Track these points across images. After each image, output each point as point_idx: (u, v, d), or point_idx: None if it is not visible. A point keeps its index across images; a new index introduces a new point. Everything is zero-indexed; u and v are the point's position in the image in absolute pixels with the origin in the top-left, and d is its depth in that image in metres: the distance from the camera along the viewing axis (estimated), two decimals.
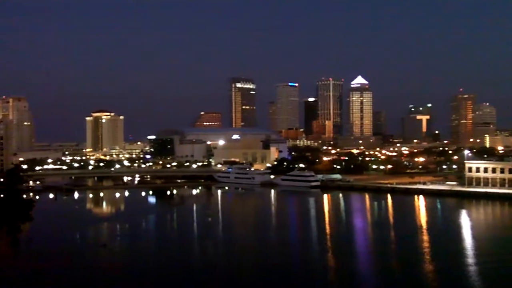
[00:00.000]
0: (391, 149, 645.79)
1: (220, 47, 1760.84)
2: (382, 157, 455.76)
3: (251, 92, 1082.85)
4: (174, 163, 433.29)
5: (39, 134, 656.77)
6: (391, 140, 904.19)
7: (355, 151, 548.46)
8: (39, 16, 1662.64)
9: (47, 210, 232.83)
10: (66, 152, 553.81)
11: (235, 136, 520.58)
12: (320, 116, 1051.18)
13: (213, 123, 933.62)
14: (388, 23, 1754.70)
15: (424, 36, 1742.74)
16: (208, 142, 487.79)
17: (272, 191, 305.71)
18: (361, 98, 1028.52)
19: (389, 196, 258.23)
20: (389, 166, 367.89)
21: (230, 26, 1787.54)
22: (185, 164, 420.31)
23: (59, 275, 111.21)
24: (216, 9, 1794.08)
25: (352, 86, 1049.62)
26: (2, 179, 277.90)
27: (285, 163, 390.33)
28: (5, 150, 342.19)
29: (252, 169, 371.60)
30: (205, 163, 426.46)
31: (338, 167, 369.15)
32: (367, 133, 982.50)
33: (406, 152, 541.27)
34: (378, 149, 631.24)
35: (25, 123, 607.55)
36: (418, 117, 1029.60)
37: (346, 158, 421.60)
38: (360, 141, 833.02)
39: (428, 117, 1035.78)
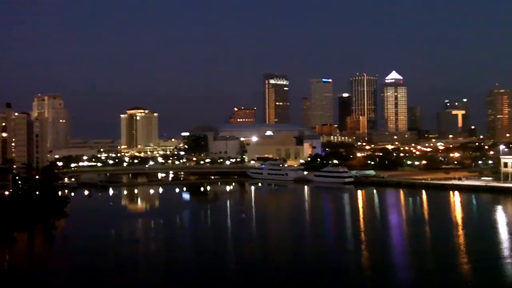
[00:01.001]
0: (426, 144, 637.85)
1: (253, 43, 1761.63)
2: (417, 152, 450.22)
3: (285, 88, 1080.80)
4: (208, 160, 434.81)
5: (75, 132, 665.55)
6: (426, 135, 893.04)
7: (389, 146, 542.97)
8: (71, 15, 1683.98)
9: (82, 207, 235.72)
10: (101, 149, 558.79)
11: (269, 132, 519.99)
12: (354, 112, 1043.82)
13: (246, 120, 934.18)
14: (423, 17, 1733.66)
15: (460, 30, 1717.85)
16: (242, 139, 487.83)
17: (306, 187, 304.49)
18: (396, 94, 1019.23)
19: (424, 192, 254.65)
20: (424, 162, 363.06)
21: (263, 22, 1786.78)
22: (219, 161, 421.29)
23: (89, 272, 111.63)
24: (250, 5, 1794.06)
25: (386, 81, 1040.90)
26: (37, 176, 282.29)
27: (318, 159, 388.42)
28: (40, 148, 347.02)
29: (286, 165, 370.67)
30: (238, 159, 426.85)
31: (372, 163, 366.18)
32: (402, 129, 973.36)
33: (442, 147, 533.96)
34: (413, 144, 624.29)
35: (61, 121, 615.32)
36: (454, 112, 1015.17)
37: (381, 154, 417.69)
38: (395, 137, 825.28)
39: (464, 112, 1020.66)
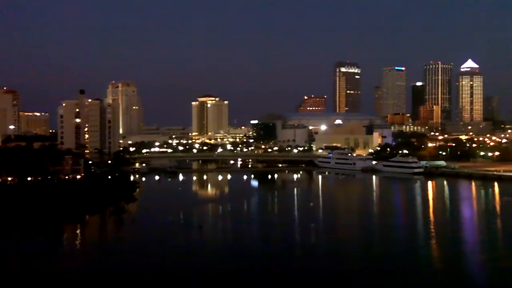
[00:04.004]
0: (502, 135, 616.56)
1: (325, 31, 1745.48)
2: (491, 143, 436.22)
3: (356, 77, 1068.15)
4: (276, 148, 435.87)
5: (148, 119, 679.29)
6: (502, 126, 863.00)
7: (463, 137, 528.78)
8: (145, 7, 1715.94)
9: (151, 191, 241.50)
10: (173, 136, 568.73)
11: (338, 121, 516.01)
12: (428, 101, 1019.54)
13: (316, 108, 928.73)
14: (500, 3, 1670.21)
15: None
16: (310, 127, 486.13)
17: (374, 177, 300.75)
18: (471, 83, 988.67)
19: (496, 184, 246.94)
20: (497, 153, 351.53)
21: (335, 10, 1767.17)
22: (286, 149, 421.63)
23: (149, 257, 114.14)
24: None
25: (461, 70, 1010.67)
26: (109, 161, 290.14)
27: (388, 149, 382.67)
28: (112, 133, 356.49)
29: (354, 154, 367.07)
30: (306, 148, 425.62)
31: (443, 153, 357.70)
32: (477, 119, 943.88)
33: None
34: (488, 135, 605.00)
35: (134, 107, 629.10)
36: None
37: (453, 144, 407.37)
38: (469, 127, 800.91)
39: None
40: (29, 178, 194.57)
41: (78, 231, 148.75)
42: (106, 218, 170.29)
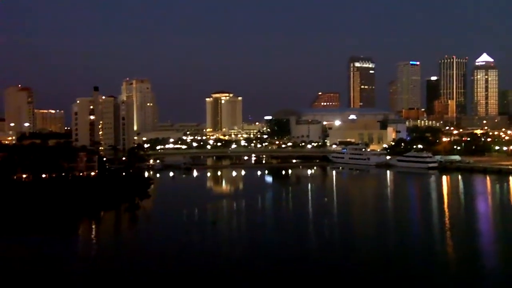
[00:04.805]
0: None
1: (339, 25, 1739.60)
2: (506, 138, 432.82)
3: (370, 72, 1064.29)
4: (290, 144, 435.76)
5: (162, 115, 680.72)
6: None
7: (478, 131, 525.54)
8: (159, 4, 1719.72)
9: (166, 188, 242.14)
10: (188, 132, 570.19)
11: (352, 116, 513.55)
12: (443, 96, 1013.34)
13: (330, 103, 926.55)
14: None
15: None
16: (325, 123, 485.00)
17: (388, 172, 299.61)
18: (486, 77, 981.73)
19: (511, 178, 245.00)
20: None
21: (350, 5, 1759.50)
22: (300, 145, 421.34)
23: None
24: None
25: (476, 64, 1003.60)
26: (123, 158, 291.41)
27: (402, 144, 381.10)
28: (126, 130, 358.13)
29: (368, 149, 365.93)
30: (320, 143, 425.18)
31: (458, 148, 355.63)
32: (492, 113, 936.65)
33: None
34: (503, 129, 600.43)
35: (148, 104, 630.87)
36: None
37: (468, 139, 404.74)
38: (484, 121, 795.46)
39: None
40: (43, 175, 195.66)
41: (93, 227, 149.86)
42: (120, 214, 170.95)
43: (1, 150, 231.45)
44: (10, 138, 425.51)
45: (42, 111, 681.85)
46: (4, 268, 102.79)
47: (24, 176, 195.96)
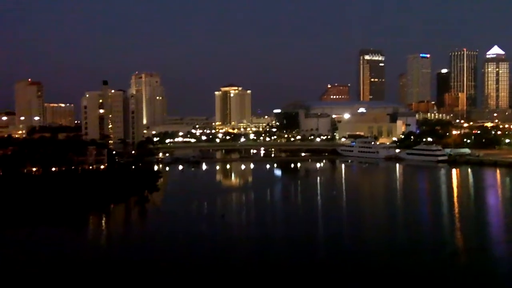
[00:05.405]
0: None
1: (348, 18, 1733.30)
2: None
3: (380, 64, 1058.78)
4: (299, 137, 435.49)
5: (172, 109, 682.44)
6: None
7: (489, 124, 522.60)
8: None
9: (175, 181, 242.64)
10: (197, 126, 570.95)
11: (361, 110, 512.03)
12: (453, 88, 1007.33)
13: (340, 97, 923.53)
14: None
15: None
16: (333, 116, 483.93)
17: (397, 165, 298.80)
18: (497, 69, 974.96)
19: None
20: None
21: None
22: (309, 138, 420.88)
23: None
24: None
25: (487, 56, 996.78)
26: (133, 152, 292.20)
27: (412, 137, 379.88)
28: (136, 124, 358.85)
29: (377, 143, 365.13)
30: (329, 137, 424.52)
31: (468, 141, 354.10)
32: (502, 106, 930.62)
33: None
34: None
35: (158, 98, 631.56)
36: None
37: (478, 132, 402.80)
38: (495, 114, 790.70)
39: None
40: (53, 169, 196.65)
41: (103, 220, 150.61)
42: (130, 207, 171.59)
43: (12, 144, 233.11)
44: (20, 132, 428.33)
45: (52, 105, 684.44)
46: (15, 259, 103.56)
47: (34, 169, 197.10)
